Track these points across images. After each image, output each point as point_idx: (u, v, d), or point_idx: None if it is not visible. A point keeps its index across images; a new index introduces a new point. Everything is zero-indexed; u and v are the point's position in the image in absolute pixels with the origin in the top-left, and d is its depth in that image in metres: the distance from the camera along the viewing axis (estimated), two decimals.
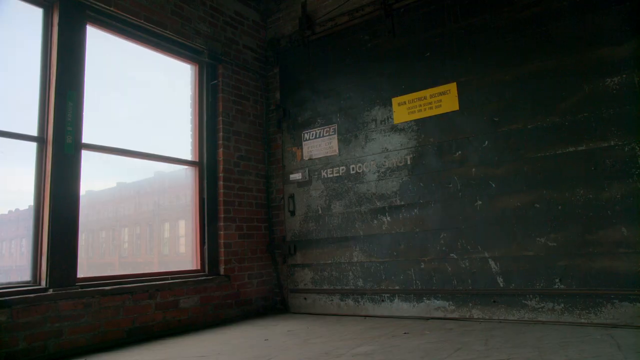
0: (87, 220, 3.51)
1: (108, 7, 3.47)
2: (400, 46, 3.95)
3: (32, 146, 3.09)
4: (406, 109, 3.84)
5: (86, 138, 3.31)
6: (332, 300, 4.06)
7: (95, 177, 3.59)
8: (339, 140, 4.20)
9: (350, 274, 3.99)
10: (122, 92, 3.87)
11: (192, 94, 4.34)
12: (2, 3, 3.13)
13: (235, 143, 4.40)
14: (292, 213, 4.40)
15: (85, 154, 3.29)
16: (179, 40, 4.04)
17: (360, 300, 3.90)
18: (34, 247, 3.00)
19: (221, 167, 4.23)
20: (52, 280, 2.94)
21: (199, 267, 4.04)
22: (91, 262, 3.63)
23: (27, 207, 3.14)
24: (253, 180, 4.55)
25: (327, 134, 4.26)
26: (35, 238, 3.01)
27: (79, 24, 3.32)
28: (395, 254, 3.77)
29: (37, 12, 3.21)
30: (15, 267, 3.30)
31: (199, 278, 3.86)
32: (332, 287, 4.07)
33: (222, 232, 4.14)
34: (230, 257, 4.16)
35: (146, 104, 4.04)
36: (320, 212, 4.24)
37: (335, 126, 4.23)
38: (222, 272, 4.08)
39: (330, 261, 4.11)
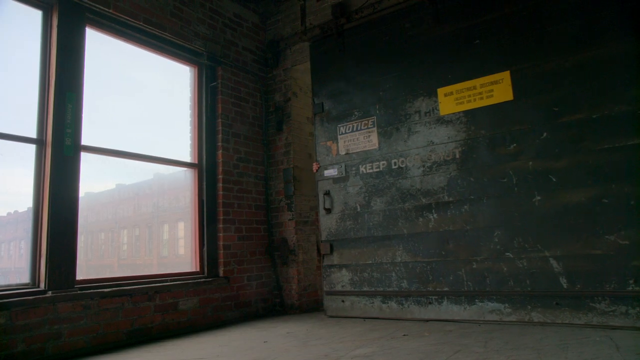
0: (86, 222, 3.51)
1: (107, 10, 3.47)
2: (445, 34, 3.72)
3: (32, 148, 3.09)
4: (454, 99, 3.62)
5: (85, 140, 3.31)
6: (372, 302, 3.82)
7: (95, 179, 3.59)
8: (379, 134, 3.95)
9: (394, 274, 3.76)
10: (122, 94, 3.87)
11: (192, 95, 4.34)
12: (1, 5, 3.13)
13: (235, 145, 4.40)
14: (328, 211, 4.15)
15: (84, 156, 3.29)
16: (178, 42, 4.04)
17: (404, 302, 3.68)
18: (33, 249, 3.00)
19: (220, 169, 4.23)
20: (51, 283, 2.93)
21: (198, 269, 4.03)
22: (90, 264, 3.63)
23: (26, 209, 3.14)
24: (252, 182, 4.55)
25: (365, 127, 4.02)
26: (34, 240, 3.01)
27: (78, 26, 3.33)
28: (443, 253, 3.55)
29: (37, 15, 3.21)
30: (14, 269, 3.29)
31: (198, 280, 3.86)
32: (373, 289, 3.84)
33: (221, 234, 4.14)
34: (230, 258, 4.16)
35: (145, 105, 4.04)
36: (358, 209, 4.00)
37: (374, 119, 3.99)
38: (221, 273, 4.08)
39: (370, 261, 3.88)
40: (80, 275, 3.20)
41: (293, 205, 4.53)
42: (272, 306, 4.51)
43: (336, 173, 4.14)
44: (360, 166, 4.05)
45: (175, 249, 4.37)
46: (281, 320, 3.99)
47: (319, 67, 4.42)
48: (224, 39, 4.47)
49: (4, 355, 2.62)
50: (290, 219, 4.53)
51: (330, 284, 4.09)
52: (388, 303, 3.76)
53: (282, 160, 4.67)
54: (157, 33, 3.86)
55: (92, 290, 3.10)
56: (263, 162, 4.72)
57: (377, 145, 3.96)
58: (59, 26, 3.20)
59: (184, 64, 4.28)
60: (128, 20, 3.63)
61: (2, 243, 3.34)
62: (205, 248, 4.05)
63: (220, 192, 4.20)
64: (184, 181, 4.25)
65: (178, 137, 4.28)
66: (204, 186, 4.15)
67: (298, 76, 4.81)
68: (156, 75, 4.21)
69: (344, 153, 4.14)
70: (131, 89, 3.97)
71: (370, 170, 3.98)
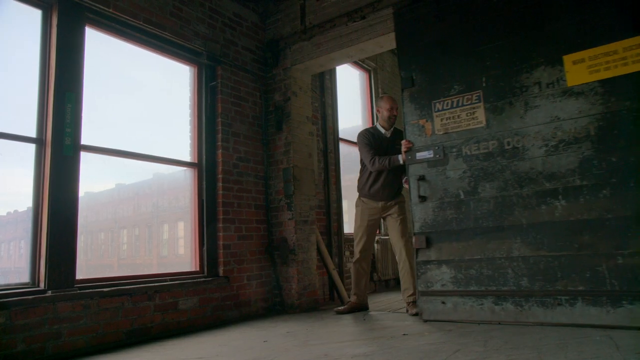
0: (86, 222, 3.51)
1: (107, 9, 3.47)
2: None
3: (31, 147, 3.09)
4: (585, 67, 3.09)
5: (85, 139, 3.31)
6: (482, 304, 3.31)
7: (94, 178, 3.59)
8: (486, 110, 3.41)
9: (510, 271, 3.23)
10: (121, 93, 3.87)
11: (191, 95, 4.35)
12: (1, 4, 3.13)
13: (234, 144, 4.40)
14: (423, 199, 3.60)
15: (84, 156, 3.29)
16: (178, 41, 4.04)
17: (524, 304, 3.16)
18: (33, 249, 3.00)
19: (220, 168, 4.23)
20: (51, 282, 2.94)
21: (198, 269, 4.04)
22: (90, 264, 3.63)
23: (25, 209, 3.14)
24: (252, 182, 4.55)
25: (469, 102, 3.48)
26: (34, 240, 3.01)
27: (78, 25, 3.32)
28: (576, 246, 3.02)
29: (36, 14, 3.21)
30: (14, 268, 3.29)
31: (198, 279, 3.86)
32: (482, 288, 3.32)
33: (221, 234, 4.14)
34: (230, 258, 4.16)
35: (145, 105, 4.04)
36: (462, 196, 3.46)
37: (479, 93, 3.45)
38: (221, 273, 4.08)
39: (479, 256, 3.36)
40: (80, 274, 3.20)
41: (293, 204, 4.53)
42: (272, 306, 4.51)
43: (432, 155, 3.61)
44: (462, 147, 3.49)
45: (175, 249, 4.37)
46: (281, 319, 3.99)
47: (407, 36, 3.86)
48: (224, 39, 4.47)
49: (4, 355, 2.62)
50: (290, 219, 4.53)
51: (426, 282, 3.56)
52: (502, 304, 3.24)
53: (281, 159, 4.67)
54: (157, 32, 3.86)
55: (91, 290, 3.10)
56: (263, 162, 4.72)
57: (484, 122, 3.42)
58: (58, 26, 3.19)
59: (183, 63, 4.28)
60: (128, 19, 3.63)
61: (2, 243, 3.34)
62: (205, 247, 4.06)
63: (220, 192, 4.20)
64: (184, 181, 4.25)
65: (178, 136, 4.28)
66: (204, 186, 4.15)
67: (298, 75, 4.81)
68: (156, 75, 4.21)
69: (441, 133, 3.59)
70: (131, 88, 3.97)
71: (476, 152, 3.44)
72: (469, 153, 3.47)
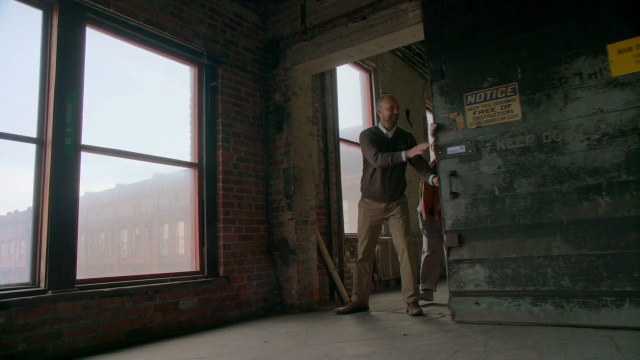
0: (86, 222, 3.51)
1: (107, 9, 3.47)
2: None
3: (32, 148, 3.09)
4: (632, 56, 2.96)
5: (85, 140, 3.31)
6: (518, 305, 3.19)
7: (95, 178, 3.59)
8: (522, 102, 3.30)
9: (549, 270, 3.11)
10: (122, 93, 3.87)
11: (192, 95, 4.35)
12: (2, 5, 3.13)
13: (235, 145, 4.40)
14: (455, 195, 3.49)
15: (84, 156, 3.29)
16: (179, 42, 4.05)
17: (565, 305, 3.03)
18: (33, 249, 3.00)
19: (220, 168, 4.23)
20: (51, 282, 2.94)
21: (198, 269, 4.04)
22: (90, 264, 3.63)
23: (25, 209, 3.14)
24: (252, 182, 4.55)
25: (503, 95, 3.37)
26: (35, 240, 3.01)
27: (79, 25, 3.33)
28: (622, 244, 2.89)
29: (37, 14, 3.21)
30: (14, 268, 3.30)
31: (198, 279, 3.86)
32: (519, 288, 3.20)
33: (221, 234, 4.14)
34: (230, 258, 4.16)
35: (145, 105, 4.04)
36: (496, 192, 3.35)
37: (514, 85, 3.34)
38: (221, 273, 4.08)
39: (515, 255, 3.25)
40: (81, 275, 3.20)
41: (293, 204, 4.53)
42: (272, 306, 4.51)
43: (464, 150, 3.49)
44: (497, 141, 3.38)
45: (175, 249, 4.37)
46: (281, 319, 3.99)
47: (436, 27, 3.73)
48: (224, 39, 4.47)
49: (4, 355, 2.62)
50: (290, 219, 4.53)
51: (458, 282, 3.43)
52: (541, 305, 3.11)
53: (282, 159, 4.67)
54: (157, 33, 3.86)
55: (92, 290, 3.10)
56: (263, 162, 4.72)
57: (520, 116, 3.31)
58: (59, 26, 3.20)
59: (184, 63, 4.28)
60: (128, 19, 3.63)
61: (3, 243, 3.34)
62: (205, 248, 4.06)
63: (221, 192, 4.20)
64: (184, 181, 4.25)
65: (178, 136, 4.28)
66: (204, 186, 4.15)
67: (298, 76, 4.81)
68: (156, 75, 4.21)
69: (474, 127, 3.47)
70: (131, 88, 3.98)
71: (512, 146, 3.33)
72: (503, 147, 3.35)
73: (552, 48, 3.25)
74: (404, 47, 7.16)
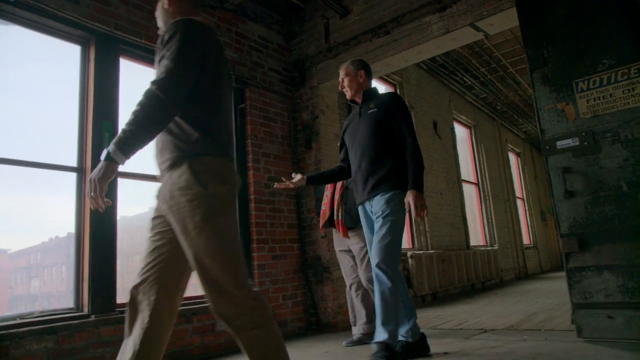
0: (121, 246, 3.57)
1: (139, 40, 3.60)
2: None
3: (72, 176, 3.20)
4: None
5: (121, 166, 3.39)
6: None
7: (129, 202, 3.68)
8: None
9: None
10: None
11: None
12: (44, 43, 3.29)
13: (265, 164, 4.44)
14: (570, 194, 3.09)
15: (120, 182, 3.38)
16: None
17: None
18: (76, 274, 3.08)
19: (252, 189, 4.27)
20: (94, 307, 3.00)
21: None
22: (126, 287, 3.68)
23: (65, 235, 3.23)
24: (284, 201, 4.57)
25: (625, 77, 2.94)
26: (77, 265, 3.09)
27: (113, 57, 3.46)
28: None
29: (76, 50, 3.37)
30: (56, 292, 3.39)
31: None
32: None
33: (255, 254, 4.15)
34: (264, 278, 4.15)
35: None
36: (624, 188, 2.90)
37: (638, 65, 2.92)
38: None
39: None
40: (119, 298, 3.25)
41: None
42: (309, 325, 4.46)
43: (577, 143, 3.09)
44: (620, 131, 2.95)
45: None
46: (318, 339, 3.94)
47: (533, 8, 3.33)
48: (250, 61, 4.56)
49: None
50: (322, 237, 4.50)
51: (582, 293, 2.98)
52: None
53: None
54: None
55: None
56: None
57: None
58: (95, 59, 3.33)
59: None
60: None
61: (45, 268, 3.45)
62: None
63: (253, 212, 4.23)
64: None
65: None
66: (236, 206, 4.17)
67: (325, 94, 4.84)
68: None
69: (588, 116, 3.06)
70: None
71: None
72: (630, 137, 2.89)
73: None
74: (428, 59, 7.14)
